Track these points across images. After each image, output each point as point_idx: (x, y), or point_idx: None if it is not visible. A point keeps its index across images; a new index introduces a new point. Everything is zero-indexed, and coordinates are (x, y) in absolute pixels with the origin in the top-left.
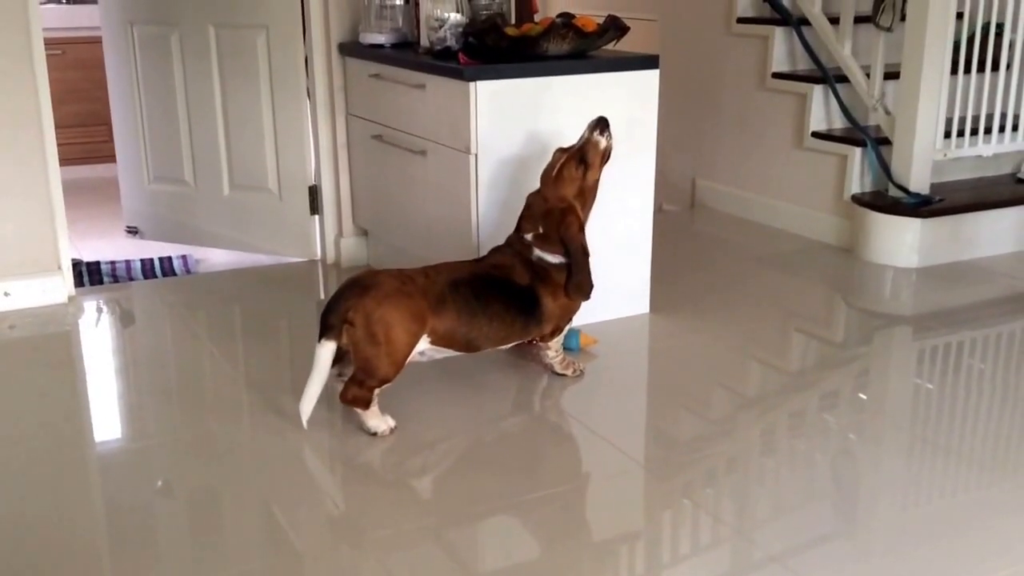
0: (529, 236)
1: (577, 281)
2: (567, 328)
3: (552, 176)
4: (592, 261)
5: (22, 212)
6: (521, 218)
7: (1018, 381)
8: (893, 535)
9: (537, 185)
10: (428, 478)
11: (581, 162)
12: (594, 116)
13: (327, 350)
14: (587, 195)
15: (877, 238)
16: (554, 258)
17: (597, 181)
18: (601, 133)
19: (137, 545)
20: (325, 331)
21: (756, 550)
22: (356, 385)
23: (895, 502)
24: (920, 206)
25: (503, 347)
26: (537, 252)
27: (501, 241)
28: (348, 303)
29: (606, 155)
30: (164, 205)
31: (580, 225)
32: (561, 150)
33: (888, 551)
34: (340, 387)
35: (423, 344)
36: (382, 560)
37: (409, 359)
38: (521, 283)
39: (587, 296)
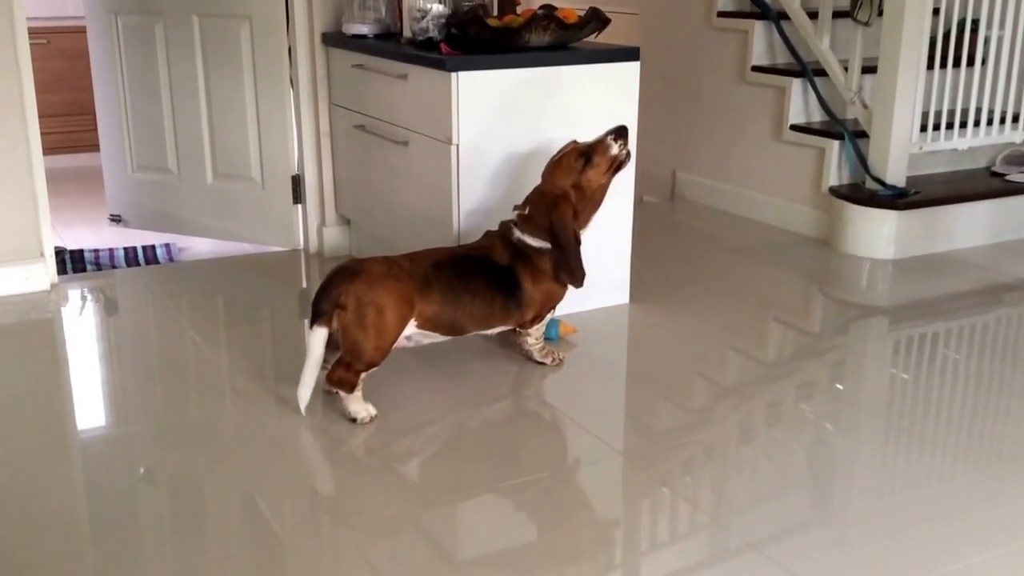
0: (515, 214)
1: (569, 268)
2: (549, 316)
3: (553, 161)
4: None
5: (5, 200)
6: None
7: (992, 371)
8: (869, 523)
9: (520, 177)
10: (409, 465)
11: (583, 156)
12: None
13: (319, 336)
14: (586, 194)
15: (854, 230)
16: (535, 242)
17: (602, 187)
18: (615, 140)
19: (119, 531)
20: (316, 317)
21: (733, 538)
22: (343, 367)
23: (871, 490)
24: (896, 198)
25: (487, 331)
26: (517, 233)
27: (482, 231)
28: (339, 288)
29: (616, 163)
30: (147, 194)
31: (574, 213)
32: (573, 142)
33: (864, 539)
34: (323, 375)
35: (410, 328)
36: (362, 546)
37: (396, 344)
38: (500, 263)
39: (579, 283)
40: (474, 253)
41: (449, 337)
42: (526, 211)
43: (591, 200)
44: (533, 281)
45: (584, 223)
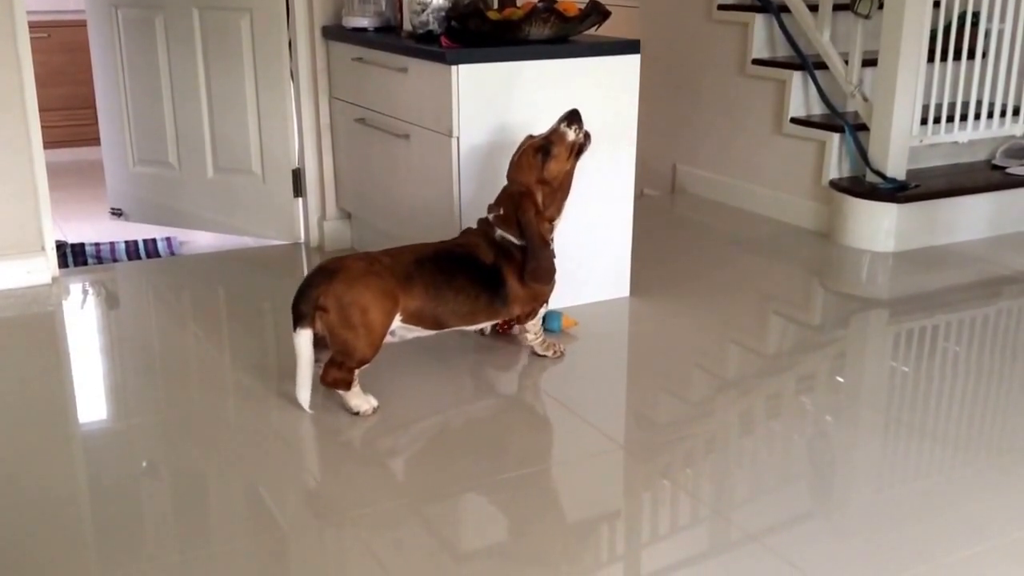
0: (491, 216)
1: (532, 268)
2: (544, 310)
3: (513, 161)
4: (555, 248)
5: (6, 194)
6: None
7: (992, 364)
8: (869, 514)
9: None
10: (410, 457)
11: (540, 151)
12: (569, 107)
13: (304, 338)
14: (553, 185)
15: (854, 223)
16: (519, 240)
17: (568, 173)
18: (569, 126)
19: (122, 525)
20: (298, 320)
21: (734, 529)
22: (336, 367)
23: (871, 482)
24: (897, 191)
25: (472, 327)
26: (499, 232)
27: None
28: (317, 290)
29: (575, 148)
30: (148, 187)
31: (537, 211)
32: (530, 136)
33: (864, 530)
34: (319, 371)
35: (394, 323)
36: (364, 538)
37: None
38: (486, 261)
39: (543, 283)
40: (457, 251)
41: (434, 332)
42: (501, 212)
43: (560, 189)
44: (518, 278)
45: (557, 212)
